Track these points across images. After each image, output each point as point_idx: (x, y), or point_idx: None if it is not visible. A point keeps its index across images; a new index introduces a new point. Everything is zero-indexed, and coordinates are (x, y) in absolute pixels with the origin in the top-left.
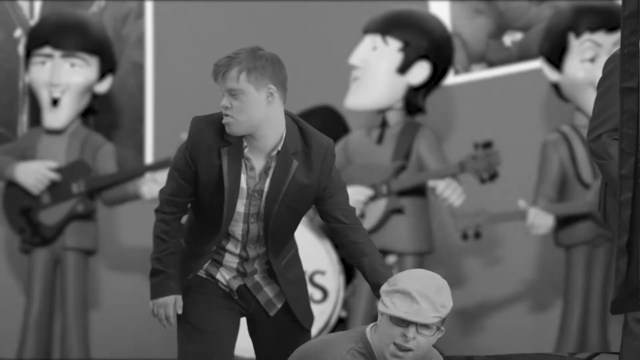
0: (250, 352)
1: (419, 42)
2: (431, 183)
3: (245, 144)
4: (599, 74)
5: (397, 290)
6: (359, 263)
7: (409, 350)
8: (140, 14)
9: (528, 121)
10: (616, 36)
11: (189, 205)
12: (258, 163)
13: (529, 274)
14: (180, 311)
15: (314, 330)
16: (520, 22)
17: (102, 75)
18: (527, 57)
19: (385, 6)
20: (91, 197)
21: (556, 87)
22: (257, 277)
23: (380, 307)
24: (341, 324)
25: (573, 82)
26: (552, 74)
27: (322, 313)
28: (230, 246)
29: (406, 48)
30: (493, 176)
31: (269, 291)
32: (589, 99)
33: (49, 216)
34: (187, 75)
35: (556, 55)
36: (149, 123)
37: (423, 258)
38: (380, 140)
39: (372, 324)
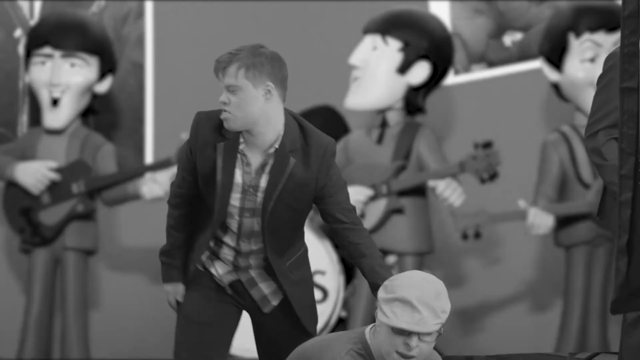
0: (250, 352)
1: (419, 42)
2: (431, 183)
3: (242, 139)
4: (599, 74)
5: (397, 298)
6: (359, 264)
7: (412, 357)
8: (140, 14)
9: (528, 121)
10: (616, 36)
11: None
12: (255, 159)
13: (529, 274)
14: (180, 299)
15: None
16: (520, 22)
17: (102, 75)
18: (527, 57)
19: (385, 6)
20: (91, 197)
21: (556, 87)
22: (252, 273)
23: (381, 316)
24: (341, 324)
25: (573, 82)
26: (552, 74)
27: (322, 313)
28: (227, 239)
29: (406, 48)
30: (493, 176)
31: (264, 288)
32: (589, 99)
33: (49, 216)
34: (187, 75)
35: (556, 55)
36: (149, 123)
37: (423, 258)
38: (380, 140)
39: (371, 325)
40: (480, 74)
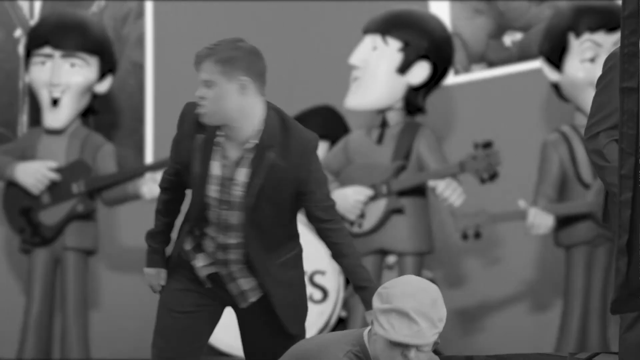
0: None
1: (419, 42)
2: (431, 183)
3: (222, 133)
4: (599, 74)
5: (393, 309)
6: (340, 263)
7: None
8: (140, 14)
9: (528, 121)
10: (616, 36)
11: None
12: (233, 153)
13: (529, 274)
14: (162, 282)
15: (315, 330)
16: (520, 22)
17: (102, 75)
18: (527, 57)
19: (385, 6)
20: (91, 197)
21: (556, 87)
22: (232, 267)
23: (377, 328)
24: (341, 324)
25: (573, 82)
26: (552, 74)
27: (322, 313)
28: (209, 230)
29: (406, 48)
30: (493, 176)
31: (244, 284)
32: (589, 99)
33: (49, 216)
34: (187, 75)
35: (556, 55)
36: (149, 123)
37: (423, 258)
38: (380, 140)
39: (369, 327)
40: (480, 74)
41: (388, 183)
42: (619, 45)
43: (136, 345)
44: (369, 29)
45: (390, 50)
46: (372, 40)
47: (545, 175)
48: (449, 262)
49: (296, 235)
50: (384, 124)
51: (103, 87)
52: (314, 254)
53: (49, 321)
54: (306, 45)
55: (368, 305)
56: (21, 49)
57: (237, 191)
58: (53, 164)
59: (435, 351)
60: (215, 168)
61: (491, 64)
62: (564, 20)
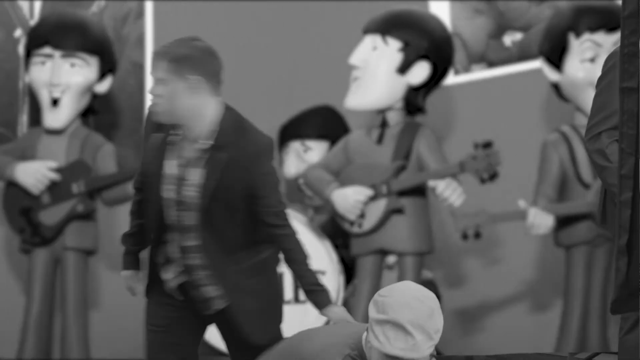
0: None
1: (419, 42)
2: (431, 183)
3: (178, 132)
4: (599, 74)
5: (389, 320)
6: (290, 267)
7: None
8: (140, 14)
9: (528, 121)
10: (616, 36)
11: None
12: (188, 152)
13: (529, 274)
14: (134, 285)
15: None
16: (520, 22)
17: (102, 75)
18: (527, 57)
19: (385, 6)
20: (91, 197)
21: (556, 87)
22: (199, 274)
23: (372, 339)
24: None
25: (573, 82)
26: (552, 74)
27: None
28: (171, 234)
29: (406, 48)
30: (493, 176)
31: (210, 291)
32: (589, 99)
33: (49, 216)
34: None
35: (556, 55)
36: None
37: (423, 258)
38: (380, 140)
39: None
40: (480, 74)
41: (388, 183)
42: (619, 45)
43: (136, 345)
44: (369, 29)
45: (390, 50)
46: (372, 40)
47: (545, 175)
48: (449, 262)
49: (263, 241)
50: (384, 124)
51: (103, 87)
52: (314, 254)
53: (49, 321)
54: (306, 45)
55: (320, 307)
56: (21, 49)
57: (191, 191)
58: (53, 164)
59: (436, 349)
60: (170, 167)
61: (491, 64)
62: (564, 20)
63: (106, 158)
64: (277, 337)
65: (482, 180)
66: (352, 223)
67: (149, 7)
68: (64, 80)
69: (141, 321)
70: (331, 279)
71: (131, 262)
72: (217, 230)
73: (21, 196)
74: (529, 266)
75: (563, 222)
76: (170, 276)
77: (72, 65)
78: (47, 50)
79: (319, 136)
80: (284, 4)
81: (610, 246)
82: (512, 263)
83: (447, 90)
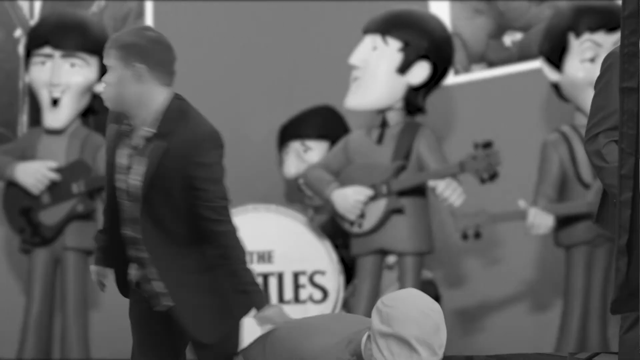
0: None
1: (419, 42)
2: (431, 183)
3: (130, 121)
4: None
5: (394, 335)
6: (225, 265)
7: None
8: (140, 14)
9: (528, 121)
10: (616, 36)
11: None
12: (135, 141)
13: (529, 274)
14: (100, 279)
15: None
16: (520, 22)
17: (102, 75)
18: (527, 57)
19: (385, 6)
20: (91, 197)
21: (556, 87)
22: (151, 268)
23: (376, 353)
24: None
25: (573, 82)
26: (552, 74)
27: (322, 313)
28: (124, 228)
29: (406, 48)
30: (493, 176)
31: (159, 286)
32: (589, 99)
33: (49, 216)
34: (187, 75)
35: (556, 55)
36: None
37: (423, 258)
38: (380, 140)
39: (367, 334)
40: (480, 74)
41: (388, 183)
42: (618, 45)
43: None
44: (369, 29)
45: (390, 50)
46: (372, 40)
47: (545, 175)
48: (449, 262)
49: (209, 239)
50: (384, 124)
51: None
52: (314, 254)
53: (49, 321)
54: (306, 45)
55: (256, 308)
56: (21, 49)
57: (136, 181)
58: (53, 164)
59: None
60: (121, 157)
61: (491, 64)
62: (564, 20)
63: None
64: (232, 336)
65: (482, 180)
66: (352, 223)
67: (149, 7)
68: (64, 80)
69: None
70: (331, 279)
71: (98, 258)
72: (160, 223)
73: (21, 196)
74: (529, 266)
75: (563, 222)
76: (132, 271)
77: (72, 65)
78: (47, 50)
79: (319, 136)
80: (284, 4)
81: (610, 246)
82: (512, 263)
83: (447, 90)
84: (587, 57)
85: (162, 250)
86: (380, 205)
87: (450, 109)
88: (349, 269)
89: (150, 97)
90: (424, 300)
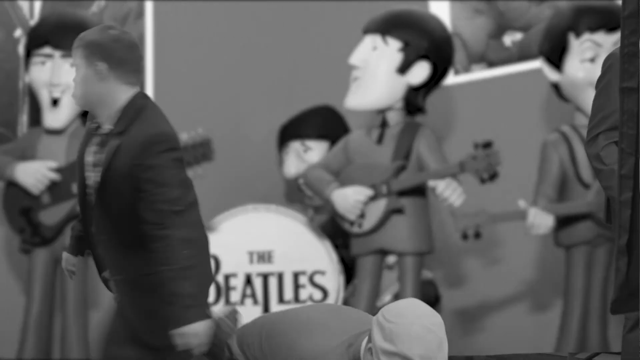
0: None
1: (419, 42)
2: (431, 183)
3: (96, 119)
4: (599, 74)
5: (398, 354)
6: (158, 271)
7: None
8: (140, 14)
9: (528, 121)
10: (616, 36)
11: None
12: (100, 139)
13: (529, 274)
14: (68, 267)
15: None
16: (520, 22)
17: None
18: (527, 57)
19: (385, 6)
20: None
21: (556, 87)
22: (108, 265)
23: None
24: None
25: (573, 82)
26: (552, 74)
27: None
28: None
29: (406, 48)
30: (493, 176)
31: (113, 285)
32: (589, 99)
33: (49, 216)
34: (187, 75)
35: (556, 55)
36: None
37: (423, 258)
38: (380, 140)
39: (366, 338)
40: (480, 74)
41: (388, 183)
42: (618, 45)
43: None
44: (369, 29)
45: (390, 50)
46: (372, 40)
47: (545, 175)
48: (449, 262)
49: (147, 242)
50: (384, 124)
51: None
52: (314, 254)
53: (49, 321)
54: (306, 45)
55: (173, 324)
56: (21, 49)
57: (97, 178)
58: (53, 164)
59: None
60: (89, 154)
61: (491, 64)
62: (564, 20)
63: None
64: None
65: (482, 180)
66: (352, 223)
67: (149, 7)
68: (64, 80)
69: None
70: (331, 279)
71: (72, 245)
72: (112, 222)
73: (21, 196)
74: (529, 266)
75: (563, 222)
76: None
77: (72, 65)
78: (47, 50)
79: (319, 136)
80: (284, 4)
81: (610, 246)
82: (512, 263)
83: (447, 90)
84: (587, 57)
85: (113, 249)
86: (380, 205)
87: (450, 109)
88: (349, 269)
89: (112, 96)
90: (426, 314)
